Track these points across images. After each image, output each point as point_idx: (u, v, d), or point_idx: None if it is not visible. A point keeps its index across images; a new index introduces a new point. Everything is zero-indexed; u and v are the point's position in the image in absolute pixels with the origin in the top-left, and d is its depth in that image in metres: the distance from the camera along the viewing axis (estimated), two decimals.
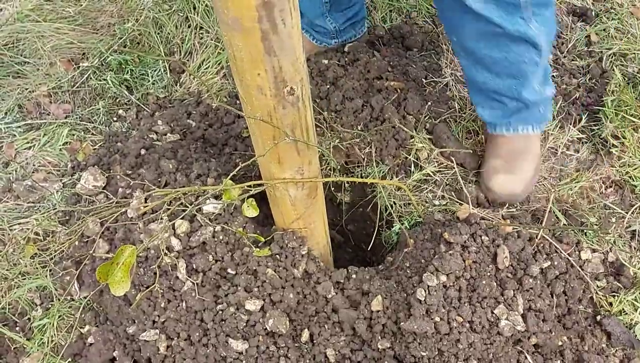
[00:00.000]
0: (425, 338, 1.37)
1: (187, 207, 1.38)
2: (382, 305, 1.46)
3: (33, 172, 1.88)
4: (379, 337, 1.42)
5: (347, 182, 2.07)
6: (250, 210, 1.33)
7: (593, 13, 2.36)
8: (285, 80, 1.06)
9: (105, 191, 1.69)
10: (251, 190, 1.33)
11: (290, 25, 0.97)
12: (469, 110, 2.02)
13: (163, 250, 1.19)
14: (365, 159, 1.90)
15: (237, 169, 1.18)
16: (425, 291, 1.42)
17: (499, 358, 1.40)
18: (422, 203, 1.77)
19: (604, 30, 2.33)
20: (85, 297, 1.60)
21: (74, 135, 1.99)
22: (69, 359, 1.52)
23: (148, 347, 1.41)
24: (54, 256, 1.67)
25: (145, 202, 1.50)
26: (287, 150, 1.25)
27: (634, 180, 1.84)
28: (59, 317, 1.59)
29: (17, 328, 1.58)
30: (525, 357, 1.41)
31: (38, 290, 1.64)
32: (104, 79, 2.15)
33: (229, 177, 1.22)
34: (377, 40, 2.24)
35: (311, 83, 2.04)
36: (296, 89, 1.09)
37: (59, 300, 1.61)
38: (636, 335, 1.52)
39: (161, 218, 1.12)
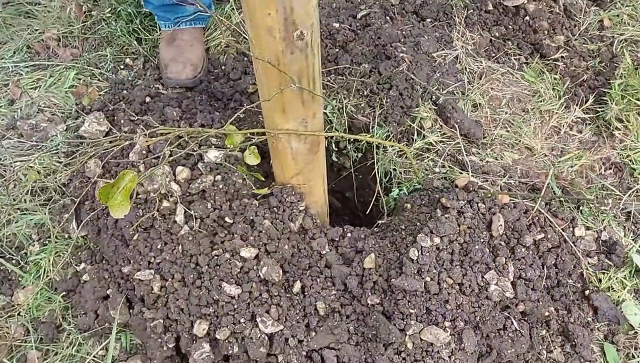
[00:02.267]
0: (415, 296, 1.39)
1: (189, 153, 1.39)
2: (375, 263, 1.48)
3: (38, 112, 1.89)
4: (369, 293, 1.44)
5: (349, 146, 2.08)
6: (252, 158, 1.34)
7: None
8: (295, 23, 1.06)
9: (111, 133, 1.70)
10: (253, 138, 1.34)
11: None
12: (477, 84, 2.02)
13: (165, 184, 1.20)
14: (370, 123, 1.90)
15: (241, 110, 1.19)
16: (418, 251, 1.43)
17: (485, 322, 1.42)
18: (422, 170, 1.78)
19: (617, 15, 2.31)
20: (83, 236, 1.62)
21: (80, 79, 1.99)
22: (63, 294, 1.54)
23: (142, 286, 1.43)
24: (54, 194, 1.69)
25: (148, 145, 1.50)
26: (292, 100, 1.25)
27: (633, 164, 1.85)
28: (55, 253, 1.61)
29: (14, 261, 1.60)
30: (512, 323, 1.44)
31: (36, 226, 1.66)
32: (114, 28, 2.14)
33: (231, 120, 1.22)
34: (390, 8, 2.23)
35: (322, 45, 2.03)
36: (306, 34, 1.09)
37: (56, 237, 1.63)
38: (622, 312, 1.54)
39: (163, 154, 1.13)
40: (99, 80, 2.02)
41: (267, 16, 1.03)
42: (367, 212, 1.89)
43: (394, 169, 1.84)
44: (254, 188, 1.39)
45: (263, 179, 1.39)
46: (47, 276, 1.58)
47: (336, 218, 2.29)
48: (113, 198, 0.94)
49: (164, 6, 1.98)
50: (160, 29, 2.10)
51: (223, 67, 2.06)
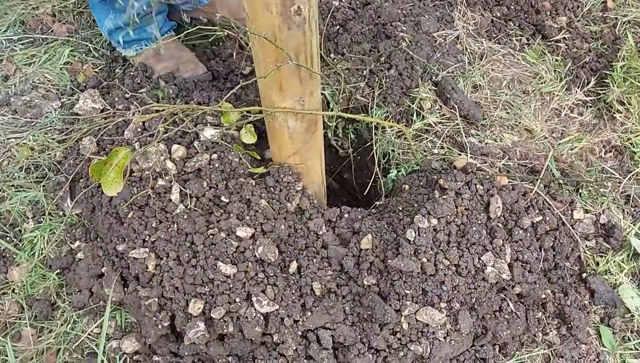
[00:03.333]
0: (411, 277, 1.38)
1: (185, 130, 1.37)
2: (372, 244, 1.47)
3: (32, 89, 1.86)
4: (366, 274, 1.44)
5: (348, 128, 2.06)
6: (248, 136, 1.32)
7: None
8: None
9: (107, 109, 1.68)
10: (250, 117, 1.32)
11: None
12: (478, 65, 1.99)
13: (159, 162, 1.18)
14: (369, 104, 1.88)
15: (238, 87, 1.16)
16: (415, 232, 1.42)
17: (481, 303, 1.41)
18: (421, 152, 1.77)
19: None
20: (77, 214, 1.60)
21: (75, 56, 1.96)
22: (57, 271, 1.54)
23: (137, 264, 1.42)
24: (48, 172, 1.67)
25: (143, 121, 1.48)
26: (289, 77, 1.23)
27: (634, 147, 1.83)
28: (50, 231, 1.59)
29: (7, 239, 1.59)
30: (508, 305, 1.43)
31: (31, 204, 1.64)
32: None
33: (226, 97, 1.20)
34: None
35: (321, 23, 2.00)
36: (304, 9, 1.07)
37: (50, 214, 1.61)
38: (619, 295, 1.54)
39: (158, 131, 1.11)
40: (94, 56, 1.99)
41: None
42: (365, 194, 1.87)
43: (393, 150, 1.82)
44: (250, 167, 1.36)
45: (259, 157, 1.37)
46: (42, 253, 1.57)
47: (334, 199, 2.28)
48: (106, 175, 0.93)
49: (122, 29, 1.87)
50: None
51: (223, 45, 2.03)
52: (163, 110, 1.15)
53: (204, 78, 1.91)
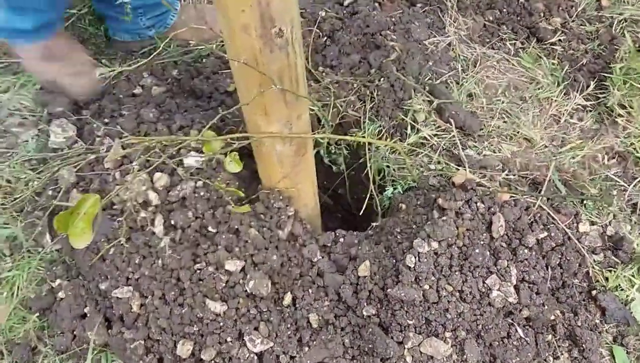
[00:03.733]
0: (413, 306, 1.30)
1: (168, 159, 1.28)
2: (370, 271, 1.39)
3: (8, 116, 1.77)
4: (365, 304, 1.36)
5: (340, 145, 1.98)
6: (233, 165, 1.24)
7: None
8: (273, 19, 0.95)
9: (80, 140, 1.59)
10: (234, 144, 1.24)
11: None
12: (472, 72, 1.92)
13: (134, 204, 1.10)
14: (361, 118, 1.80)
15: (217, 117, 1.08)
16: (415, 257, 1.34)
17: (488, 330, 1.33)
18: (417, 168, 1.69)
19: None
20: (57, 250, 1.51)
21: None
22: (38, 313, 1.45)
23: (121, 304, 1.33)
24: (26, 205, 1.58)
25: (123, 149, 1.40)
26: (274, 101, 1.15)
27: (638, 152, 1.76)
28: (29, 269, 1.50)
29: None
30: (516, 330, 1.35)
31: (8, 240, 1.55)
32: (91, 26, 2.02)
33: (208, 126, 1.12)
34: None
35: (307, 35, 1.92)
36: (285, 30, 0.99)
37: (29, 251, 1.52)
38: (632, 312, 1.47)
39: (133, 169, 1.02)
40: None
41: (241, 12, 0.92)
42: (361, 213, 1.80)
43: (388, 166, 1.74)
44: (232, 205, 1.29)
45: (242, 194, 1.29)
46: (21, 294, 1.48)
47: (329, 216, 2.20)
48: (73, 226, 0.84)
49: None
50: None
51: (205, 62, 1.94)
52: (144, 141, 1.07)
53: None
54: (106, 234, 1.39)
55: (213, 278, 1.31)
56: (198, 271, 1.33)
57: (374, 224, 1.61)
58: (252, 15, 0.92)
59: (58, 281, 1.48)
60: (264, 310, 1.33)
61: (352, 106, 1.83)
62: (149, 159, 1.16)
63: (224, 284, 1.32)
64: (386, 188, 1.73)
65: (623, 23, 2.13)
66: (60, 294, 1.45)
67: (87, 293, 1.42)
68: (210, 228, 1.40)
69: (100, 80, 1.68)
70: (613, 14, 2.16)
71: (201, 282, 1.31)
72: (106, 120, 1.63)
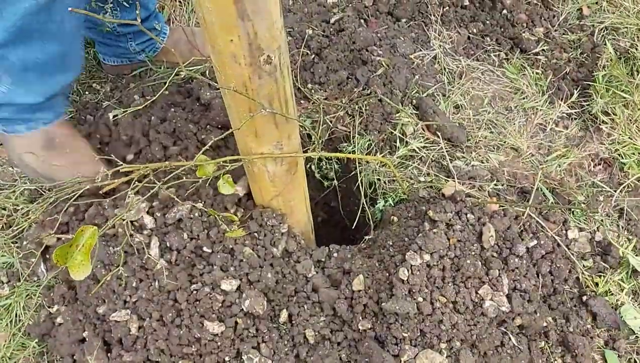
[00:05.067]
0: (407, 319, 1.33)
1: (163, 187, 1.30)
2: (364, 285, 1.42)
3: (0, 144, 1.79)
4: (360, 318, 1.38)
5: (331, 160, 2.00)
6: (227, 187, 1.26)
7: None
8: (261, 48, 0.98)
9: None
10: (227, 166, 1.26)
11: None
12: (457, 84, 1.95)
13: (129, 231, 1.12)
14: (350, 133, 1.83)
15: (209, 144, 1.11)
16: (408, 270, 1.37)
17: (482, 340, 1.36)
18: (407, 180, 1.72)
19: (596, 3, 2.26)
20: (53, 277, 1.53)
21: None
22: (37, 339, 1.46)
23: (119, 327, 1.35)
24: (21, 234, 1.59)
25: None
26: (265, 124, 1.18)
27: (623, 158, 1.80)
28: (27, 295, 1.52)
29: None
30: (510, 338, 1.38)
31: (4, 268, 1.56)
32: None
33: (202, 151, 1.14)
34: (364, 10, 2.15)
35: (296, 53, 1.95)
36: (273, 57, 1.02)
37: (26, 278, 1.53)
38: (622, 316, 1.50)
39: (128, 196, 1.05)
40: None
41: (230, 43, 0.95)
42: (353, 227, 1.82)
43: (378, 179, 1.77)
44: (228, 230, 1.31)
45: (237, 219, 1.31)
46: (20, 320, 1.49)
47: (322, 227, 2.22)
48: (72, 258, 0.86)
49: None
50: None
51: (191, 83, 1.97)
52: (135, 170, 1.09)
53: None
54: (102, 260, 1.40)
55: (209, 299, 1.33)
56: (194, 292, 1.34)
57: (366, 238, 1.64)
58: (241, 44, 0.95)
59: (56, 307, 1.49)
60: (261, 328, 1.35)
61: (341, 121, 1.86)
62: (147, 185, 1.18)
63: (220, 304, 1.33)
64: (378, 201, 1.75)
65: (604, 31, 2.17)
66: (59, 319, 1.46)
67: (85, 317, 1.43)
68: (205, 249, 1.42)
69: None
70: (594, 22, 2.21)
71: (198, 302, 1.33)
72: (98, 146, 1.65)
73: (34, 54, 1.33)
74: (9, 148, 1.59)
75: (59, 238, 1.45)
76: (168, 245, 1.41)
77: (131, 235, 1.36)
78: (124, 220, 1.20)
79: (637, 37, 2.11)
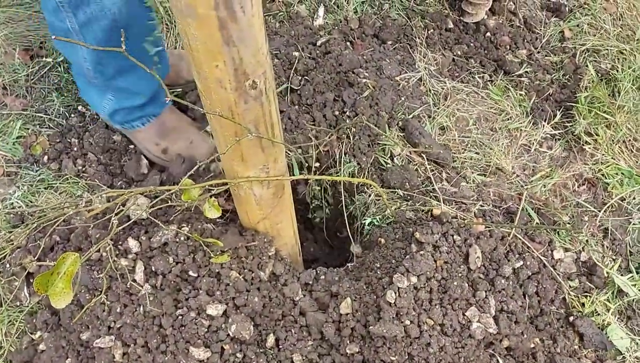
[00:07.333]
0: (395, 342, 1.32)
1: (147, 212, 1.29)
2: (352, 308, 1.41)
3: None
4: (348, 341, 1.37)
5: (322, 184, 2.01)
6: (213, 211, 1.25)
7: (567, 8, 2.34)
8: (246, 73, 0.98)
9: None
10: (213, 190, 1.26)
11: (250, 13, 0.90)
12: (443, 105, 1.98)
13: (112, 256, 1.11)
14: (337, 155, 1.84)
15: (195, 168, 1.11)
16: (395, 293, 1.36)
17: (470, 362, 1.35)
18: (395, 202, 1.72)
19: (578, 25, 2.31)
20: (37, 302, 1.50)
21: (28, 128, 1.88)
22: None
23: (103, 354, 1.32)
24: (3, 259, 1.57)
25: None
26: (251, 148, 1.18)
27: (606, 178, 1.82)
28: (9, 321, 1.49)
29: None
30: (497, 361, 1.38)
31: None
32: (67, 73, 2.03)
33: (187, 175, 1.14)
34: (350, 32, 2.18)
35: (282, 75, 1.96)
36: (259, 82, 1.02)
37: (8, 304, 1.51)
38: (608, 337, 1.50)
39: (112, 223, 1.04)
40: (49, 127, 1.91)
41: (215, 68, 0.95)
42: (341, 237, 1.82)
43: (366, 203, 1.77)
44: (212, 255, 1.30)
45: (222, 244, 1.30)
46: (1, 347, 1.46)
47: (309, 244, 2.21)
48: (53, 286, 0.85)
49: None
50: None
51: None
52: (120, 195, 1.08)
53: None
54: (86, 284, 1.38)
55: (195, 324, 1.31)
56: (180, 317, 1.33)
57: (354, 261, 1.64)
58: (226, 70, 0.96)
59: (39, 333, 1.46)
60: (247, 353, 1.33)
61: (329, 144, 1.86)
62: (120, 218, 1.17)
63: (206, 329, 1.32)
64: (365, 222, 1.76)
65: (585, 53, 2.22)
66: (42, 346, 1.43)
67: (68, 344, 1.41)
68: (191, 273, 1.40)
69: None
70: (576, 44, 2.25)
71: (183, 327, 1.31)
72: (85, 174, 1.64)
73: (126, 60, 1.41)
74: (136, 142, 1.79)
75: (40, 265, 1.43)
76: (153, 269, 1.40)
77: (114, 261, 1.34)
78: (107, 245, 1.19)
79: (618, 59, 2.16)
